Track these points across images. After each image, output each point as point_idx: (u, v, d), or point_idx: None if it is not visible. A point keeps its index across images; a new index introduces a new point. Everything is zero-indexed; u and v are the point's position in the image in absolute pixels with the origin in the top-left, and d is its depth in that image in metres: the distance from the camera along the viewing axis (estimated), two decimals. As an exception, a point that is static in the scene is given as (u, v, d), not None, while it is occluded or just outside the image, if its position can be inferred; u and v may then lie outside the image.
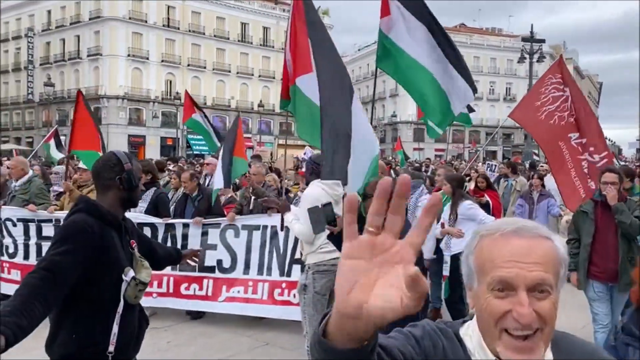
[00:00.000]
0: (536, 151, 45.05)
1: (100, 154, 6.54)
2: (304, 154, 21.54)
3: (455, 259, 5.62)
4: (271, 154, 28.50)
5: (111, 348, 2.32)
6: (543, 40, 33.42)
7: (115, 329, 2.34)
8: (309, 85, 4.01)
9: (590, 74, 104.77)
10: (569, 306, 7.26)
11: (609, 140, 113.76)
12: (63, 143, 13.22)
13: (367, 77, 67.28)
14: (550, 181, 10.00)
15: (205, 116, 12.19)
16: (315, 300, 4.22)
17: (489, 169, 12.74)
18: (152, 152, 43.46)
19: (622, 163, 23.24)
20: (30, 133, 51.57)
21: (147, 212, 6.20)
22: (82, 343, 2.29)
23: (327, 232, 4.36)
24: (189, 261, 3.32)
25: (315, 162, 4.55)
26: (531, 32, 31.51)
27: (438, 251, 6.21)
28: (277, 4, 58.29)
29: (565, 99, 6.37)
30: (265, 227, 6.04)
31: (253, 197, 6.85)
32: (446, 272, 5.84)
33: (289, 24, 4.15)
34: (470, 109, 11.34)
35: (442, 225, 5.98)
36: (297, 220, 4.28)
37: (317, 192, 4.29)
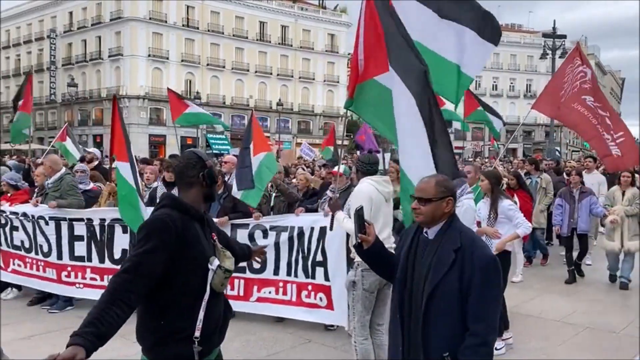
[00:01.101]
0: (558, 148, 44.52)
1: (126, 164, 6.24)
2: (301, 150, 20.77)
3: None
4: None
5: (197, 333, 2.39)
6: (564, 36, 32.81)
7: (201, 315, 2.41)
8: (389, 83, 3.91)
9: (612, 70, 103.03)
10: (612, 304, 7.13)
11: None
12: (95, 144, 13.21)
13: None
14: (585, 177, 9.55)
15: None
16: (364, 297, 4.21)
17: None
18: (173, 152, 43.79)
19: None
20: (53, 133, 52.14)
21: None
22: (171, 329, 2.38)
23: (385, 228, 4.29)
24: (256, 258, 3.39)
25: (362, 161, 4.58)
26: (553, 28, 31.06)
27: None
28: (296, 2, 58.33)
29: (582, 74, 6.47)
30: (292, 227, 5.94)
31: (275, 194, 6.81)
32: None
33: (360, 21, 3.99)
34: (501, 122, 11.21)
35: (478, 225, 5.66)
36: (348, 217, 4.25)
37: (367, 188, 4.30)
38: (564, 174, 11.04)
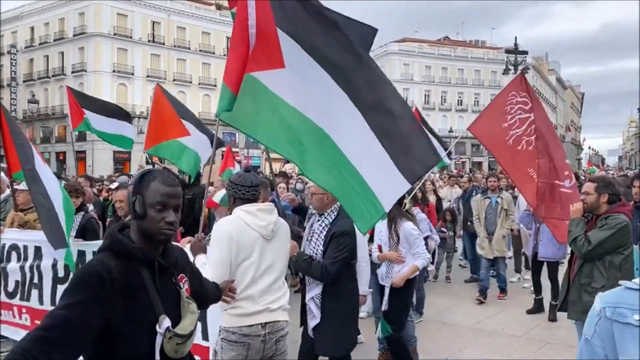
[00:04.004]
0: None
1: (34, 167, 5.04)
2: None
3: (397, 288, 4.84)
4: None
5: None
6: (526, 52, 33.83)
7: None
8: (278, 82, 3.30)
9: (572, 85, 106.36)
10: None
11: (592, 149, 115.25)
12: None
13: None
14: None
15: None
16: None
17: None
18: (138, 169, 43.06)
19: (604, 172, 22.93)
20: (14, 150, 50.88)
21: None
22: None
23: (244, 281, 3.09)
24: (225, 297, 2.84)
25: (235, 183, 3.30)
26: (515, 44, 31.88)
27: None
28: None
29: (531, 122, 6.03)
30: None
31: None
32: (385, 305, 4.86)
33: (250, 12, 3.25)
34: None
35: (380, 249, 5.06)
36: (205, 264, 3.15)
37: (226, 225, 3.15)
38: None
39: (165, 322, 1.93)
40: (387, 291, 4.86)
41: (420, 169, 3.71)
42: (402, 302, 4.94)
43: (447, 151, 10.42)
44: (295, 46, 3.38)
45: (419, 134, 3.70)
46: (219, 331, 3.17)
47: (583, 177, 12.98)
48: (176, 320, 2.00)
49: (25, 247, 5.18)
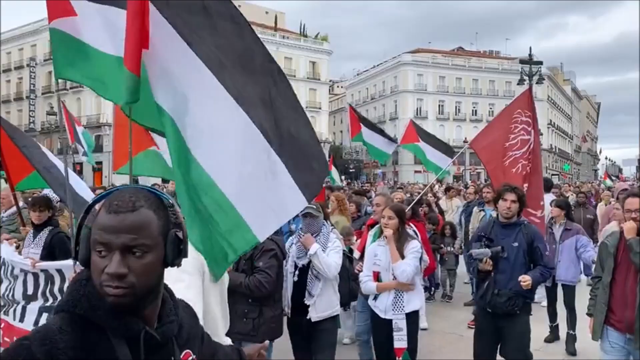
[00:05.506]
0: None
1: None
2: None
3: (411, 318, 4.36)
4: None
5: None
6: (541, 62, 33.60)
7: None
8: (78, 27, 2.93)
9: (588, 95, 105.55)
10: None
11: (609, 160, 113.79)
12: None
13: (382, 95, 68.20)
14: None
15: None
16: None
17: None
18: (154, 179, 43.34)
19: (621, 183, 22.08)
20: (32, 162, 51.66)
21: (43, 259, 4.56)
22: None
23: (223, 316, 2.59)
24: None
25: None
26: (530, 55, 31.74)
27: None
28: (277, 30, 58.98)
29: (530, 145, 5.96)
30: None
31: None
32: (403, 343, 4.27)
33: None
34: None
35: (376, 277, 4.37)
36: None
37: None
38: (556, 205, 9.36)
39: None
40: (401, 325, 4.29)
41: (318, 183, 3.00)
42: (416, 330, 4.53)
43: (451, 161, 10.13)
44: (169, 29, 2.66)
45: (313, 137, 3.02)
46: None
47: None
48: None
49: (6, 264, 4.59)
